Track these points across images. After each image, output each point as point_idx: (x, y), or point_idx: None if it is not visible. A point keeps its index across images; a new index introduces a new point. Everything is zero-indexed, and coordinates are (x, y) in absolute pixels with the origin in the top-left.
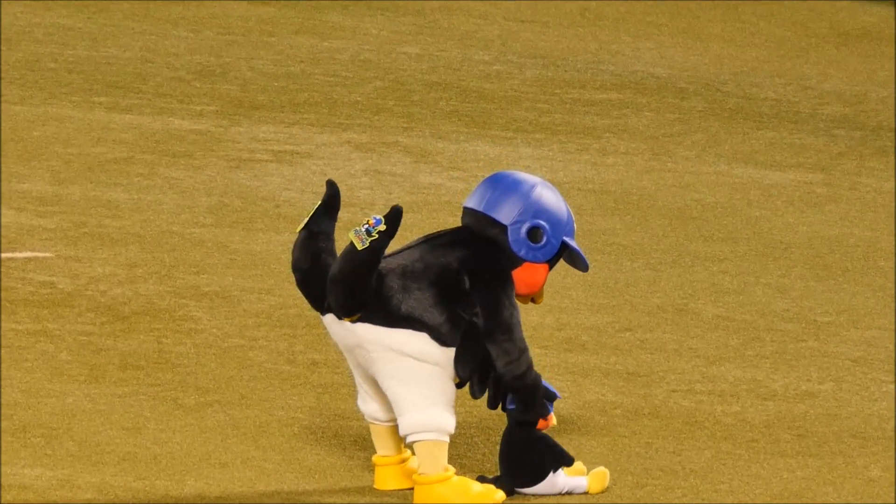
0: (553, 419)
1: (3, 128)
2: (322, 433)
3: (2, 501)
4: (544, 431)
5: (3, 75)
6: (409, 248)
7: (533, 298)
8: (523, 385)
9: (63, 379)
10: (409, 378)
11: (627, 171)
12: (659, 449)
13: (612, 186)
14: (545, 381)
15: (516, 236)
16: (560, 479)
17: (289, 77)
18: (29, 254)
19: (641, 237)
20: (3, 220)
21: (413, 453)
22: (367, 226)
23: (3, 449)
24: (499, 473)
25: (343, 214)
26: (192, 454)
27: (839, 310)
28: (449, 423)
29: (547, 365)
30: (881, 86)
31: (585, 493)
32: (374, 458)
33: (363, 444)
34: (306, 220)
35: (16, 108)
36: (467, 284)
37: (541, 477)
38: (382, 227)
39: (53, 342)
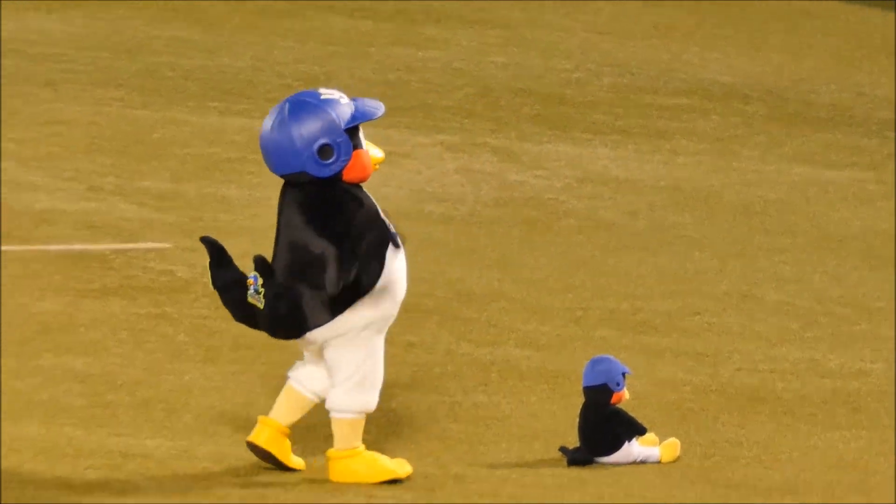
0: (626, 394)
1: (126, 131)
2: (418, 406)
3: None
4: (619, 406)
5: (124, 83)
6: (275, 240)
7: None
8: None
9: (181, 358)
10: (351, 349)
11: (696, 170)
12: (725, 422)
13: (683, 184)
14: (621, 364)
15: (317, 169)
16: (634, 449)
17: (386, 84)
18: (150, 245)
19: (709, 230)
20: (127, 214)
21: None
22: (252, 287)
23: (127, 422)
24: (578, 445)
25: (436, 209)
26: (299, 426)
27: (890, 296)
28: (371, 403)
29: (622, 346)
30: None
31: (658, 461)
32: (261, 417)
33: (456, 416)
34: (210, 279)
35: (138, 113)
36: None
37: (616, 447)
38: (262, 281)
39: (172, 325)
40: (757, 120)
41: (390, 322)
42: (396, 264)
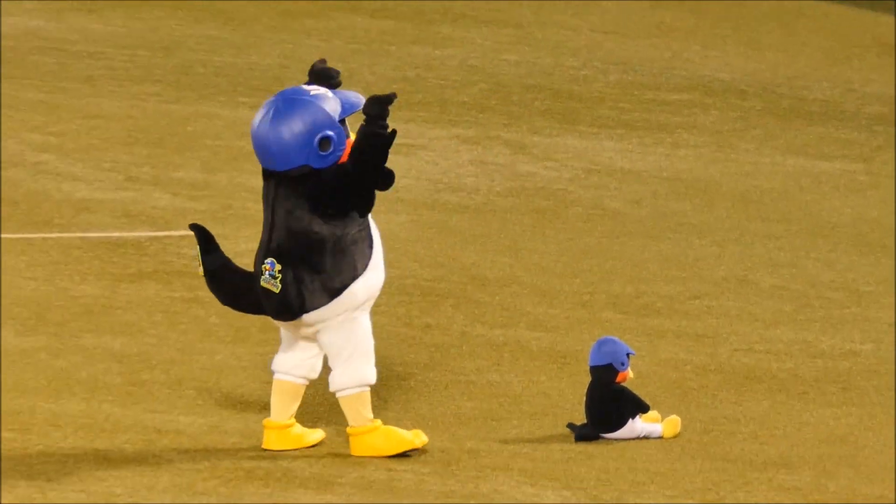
0: (630, 373)
1: (161, 124)
2: (435, 386)
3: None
4: (624, 384)
5: (160, 79)
6: (270, 228)
7: None
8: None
9: (212, 339)
10: (345, 330)
11: (696, 162)
12: (723, 400)
13: (683, 174)
14: (626, 345)
15: (318, 161)
16: (638, 425)
17: (405, 80)
18: (183, 232)
19: (708, 218)
20: (162, 203)
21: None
22: (268, 272)
23: (162, 400)
24: (585, 421)
25: (452, 198)
26: (325, 402)
27: (878, 280)
28: (370, 375)
29: (627, 328)
30: None
31: (660, 437)
32: (265, 421)
33: (471, 394)
34: (199, 266)
35: (172, 107)
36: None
37: (621, 423)
38: (279, 266)
39: (204, 308)
40: (753, 114)
41: (374, 300)
42: (379, 246)
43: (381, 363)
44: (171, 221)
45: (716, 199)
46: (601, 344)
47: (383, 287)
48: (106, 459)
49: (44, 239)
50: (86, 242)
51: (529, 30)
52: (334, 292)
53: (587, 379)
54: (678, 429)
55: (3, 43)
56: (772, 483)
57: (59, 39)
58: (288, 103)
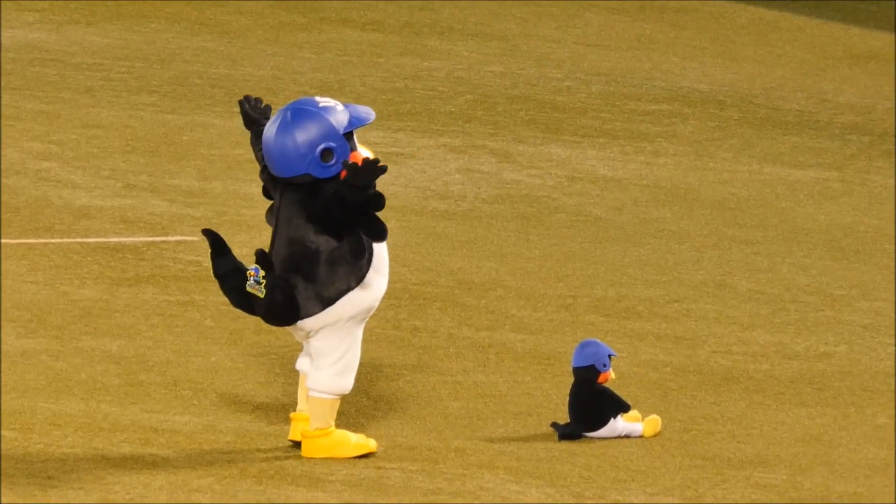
0: (612, 374)
1: (158, 134)
2: (423, 386)
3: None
4: (605, 385)
5: (157, 90)
6: (274, 234)
7: None
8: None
9: (207, 341)
10: (336, 337)
11: (676, 170)
12: (702, 400)
13: (663, 182)
14: (607, 346)
15: (319, 171)
16: (619, 424)
17: (394, 91)
18: (179, 238)
19: (687, 224)
20: (159, 209)
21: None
22: (252, 278)
23: (158, 400)
24: (568, 420)
25: (439, 205)
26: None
27: (851, 285)
28: (349, 386)
29: (608, 330)
30: (886, 99)
31: (641, 435)
32: (292, 415)
33: (457, 395)
34: (211, 268)
35: (168, 117)
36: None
37: (603, 422)
38: (263, 273)
39: (199, 311)
40: (731, 124)
41: (372, 312)
42: (382, 260)
43: (371, 365)
44: (167, 227)
45: (694, 205)
46: (584, 346)
47: None
48: (104, 458)
49: (45, 244)
50: (85, 247)
51: (514, 42)
52: (327, 301)
53: (570, 379)
54: (658, 428)
55: (5, 55)
56: (749, 481)
57: (58, 51)
58: (295, 114)
